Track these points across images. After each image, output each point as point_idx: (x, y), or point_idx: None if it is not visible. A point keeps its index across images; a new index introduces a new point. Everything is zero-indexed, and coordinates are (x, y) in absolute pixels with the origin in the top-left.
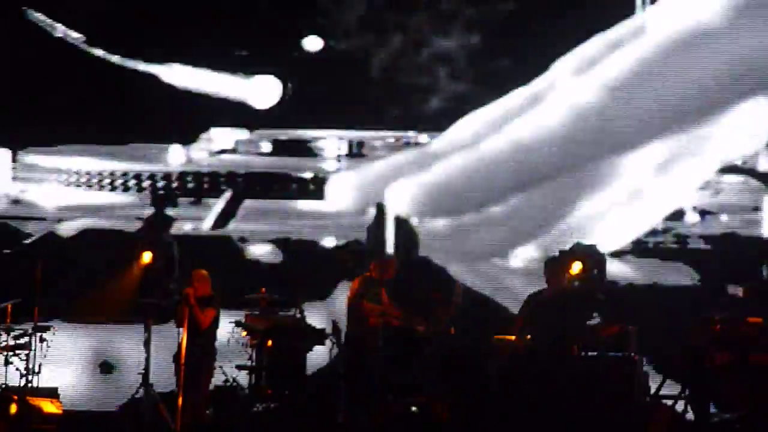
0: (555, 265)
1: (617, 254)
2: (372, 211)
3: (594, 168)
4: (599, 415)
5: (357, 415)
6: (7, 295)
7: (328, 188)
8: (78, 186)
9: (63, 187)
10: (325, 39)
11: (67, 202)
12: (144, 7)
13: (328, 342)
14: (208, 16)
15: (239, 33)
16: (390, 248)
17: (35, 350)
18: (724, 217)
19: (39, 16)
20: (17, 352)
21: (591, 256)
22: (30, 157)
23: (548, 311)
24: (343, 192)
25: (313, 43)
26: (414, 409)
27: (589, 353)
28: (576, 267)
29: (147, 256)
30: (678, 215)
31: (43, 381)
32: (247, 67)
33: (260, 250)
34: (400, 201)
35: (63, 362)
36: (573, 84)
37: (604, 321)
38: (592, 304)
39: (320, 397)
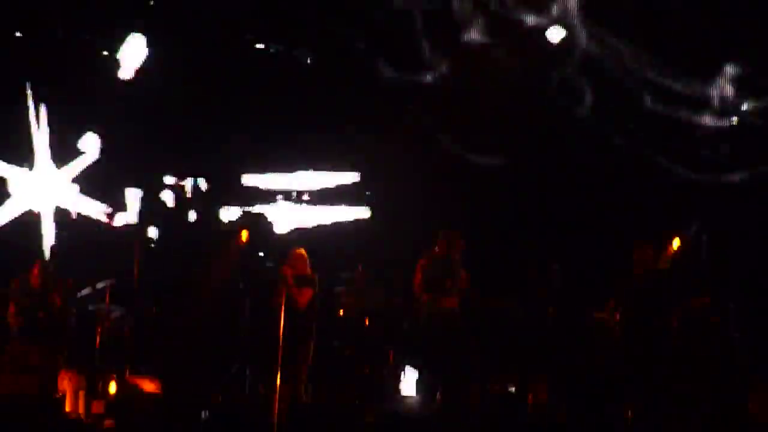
0: (644, 245)
1: None
2: None
3: None
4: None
5: (453, 395)
6: None
7: None
8: None
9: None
10: None
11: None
12: None
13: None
14: None
15: None
16: None
17: (133, 330)
18: None
19: None
20: (116, 332)
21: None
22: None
23: (643, 291)
24: None
25: None
26: (511, 389)
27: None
28: (675, 244)
29: (244, 235)
30: None
31: (141, 360)
32: None
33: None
34: None
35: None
36: None
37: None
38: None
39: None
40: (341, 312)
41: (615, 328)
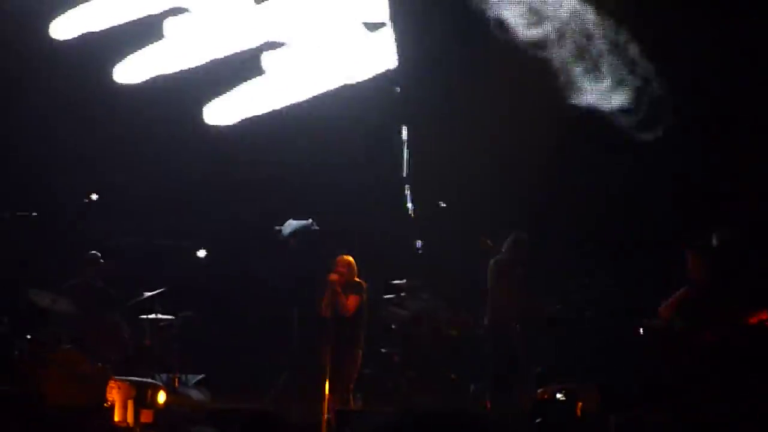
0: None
1: None
2: None
3: None
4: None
5: (503, 400)
6: None
7: None
8: None
9: None
10: None
11: None
12: None
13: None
14: None
15: None
16: None
17: (182, 340)
18: None
19: None
20: (166, 341)
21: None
22: None
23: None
24: None
25: None
26: (560, 397)
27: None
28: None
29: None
30: None
31: (190, 370)
32: None
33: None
34: None
35: (209, 351)
36: None
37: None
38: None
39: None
40: (389, 319)
41: (670, 336)
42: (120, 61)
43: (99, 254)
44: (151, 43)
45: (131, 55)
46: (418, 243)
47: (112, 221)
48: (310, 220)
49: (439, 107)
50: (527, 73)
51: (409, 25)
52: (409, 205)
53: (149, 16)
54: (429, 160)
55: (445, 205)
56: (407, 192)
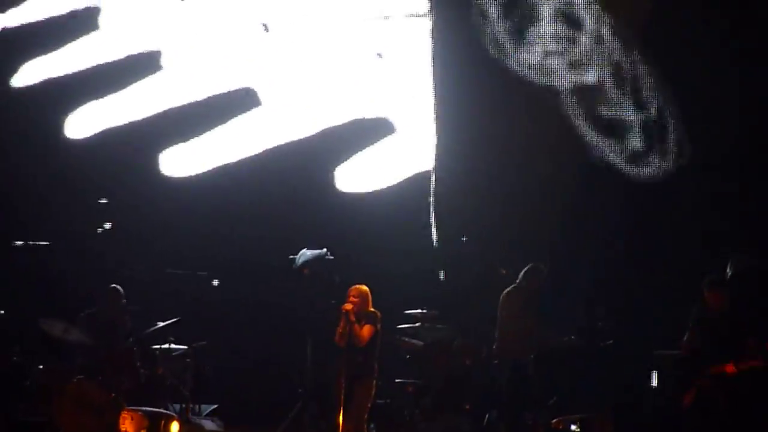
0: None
1: None
2: None
3: None
4: None
5: (517, 430)
6: None
7: None
8: None
9: None
10: None
11: None
12: None
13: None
14: None
15: None
16: None
17: (194, 369)
18: None
19: None
20: (178, 371)
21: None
22: None
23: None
24: None
25: None
26: (574, 428)
27: None
28: None
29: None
30: None
31: (204, 400)
32: None
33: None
34: None
35: (222, 381)
36: None
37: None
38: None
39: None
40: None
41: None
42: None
43: (120, 288)
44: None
45: None
46: (441, 274)
47: (125, 250)
48: (325, 250)
49: (464, 136)
50: (548, 111)
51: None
52: (434, 235)
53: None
54: (452, 188)
55: (466, 239)
56: (432, 220)
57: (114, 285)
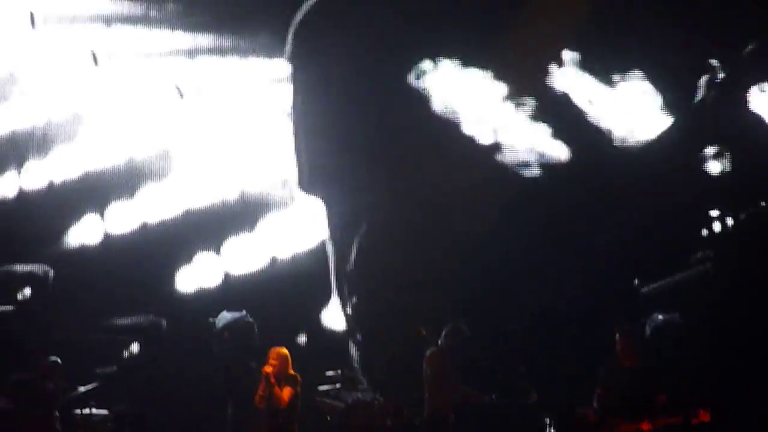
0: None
1: None
2: None
3: None
4: None
5: None
6: None
7: None
8: None
9: None
10: None
11: None
12: None
13: None
14: None
15: None
16: None
17: None
18: None
19: None
20: None
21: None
22: None
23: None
24: None
25: None
26: None
27: None
28: None
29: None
30: None
31: None
32: None
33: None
34: None
35: None
36: None
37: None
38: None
39: None
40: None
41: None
42: None
43: (59, 361)
44: None
45: None
46: (358, 336)
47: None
48: (244, 312)
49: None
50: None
51: None
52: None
53: None
54: (373, 249)
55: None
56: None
57: (54, 358)
